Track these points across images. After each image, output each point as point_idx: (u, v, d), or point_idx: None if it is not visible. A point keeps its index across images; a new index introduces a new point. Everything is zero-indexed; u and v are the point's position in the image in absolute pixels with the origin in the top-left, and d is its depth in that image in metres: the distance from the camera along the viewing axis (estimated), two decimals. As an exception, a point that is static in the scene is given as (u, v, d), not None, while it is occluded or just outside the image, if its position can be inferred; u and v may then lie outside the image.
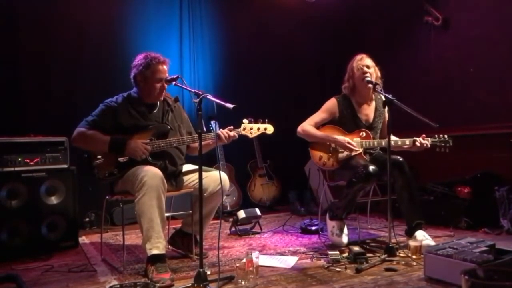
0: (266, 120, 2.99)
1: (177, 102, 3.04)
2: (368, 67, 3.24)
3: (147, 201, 2.56)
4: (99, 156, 2.77)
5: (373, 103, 3.40)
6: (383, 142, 3.17)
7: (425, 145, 3.11)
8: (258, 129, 2.95)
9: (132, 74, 2.89)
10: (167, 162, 2.85)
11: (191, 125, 3.15)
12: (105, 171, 2.77)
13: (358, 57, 3.30)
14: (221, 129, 2.90)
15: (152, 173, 2.61)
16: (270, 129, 2.98)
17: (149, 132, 2.84)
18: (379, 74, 3.28)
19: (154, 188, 2.57)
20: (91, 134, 2.75)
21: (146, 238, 2.58)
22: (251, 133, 2.94)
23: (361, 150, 3.21)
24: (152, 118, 2.91)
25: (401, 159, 3.09)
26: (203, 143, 2.89)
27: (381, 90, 3.01)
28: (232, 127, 2.92)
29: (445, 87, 4.50)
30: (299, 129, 3.32)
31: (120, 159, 2.76)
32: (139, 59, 2.87)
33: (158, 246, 2.57)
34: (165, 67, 2.86)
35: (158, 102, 2.97)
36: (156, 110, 2.95)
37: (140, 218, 2.59)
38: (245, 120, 2.95)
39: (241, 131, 2.94)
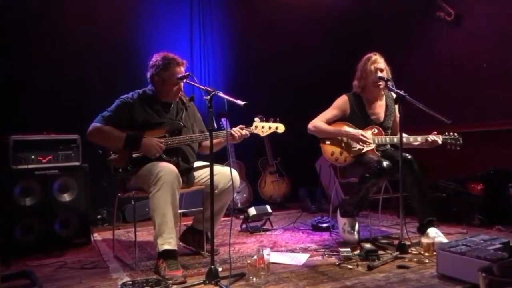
0: (278, 119, 2.99)
1: (192, 101, 3.06)
2: (381, 70, 3.20)
3: (161, 196, 2.58)
4: (113, 152, 2.79)
5: (383, 100, 3.38)
6: (395, 139, 3.15)
7: (437, 141, 3.09)
8: (270, 128, 2.96)
9: (149, 74, 2.89)
10: (180, 159, 2.86)
11: (203, 125, 3.16)
12: (119, 167, 2.79)
13: (372, 58, 3.24)
14: (233, 128, 2.90)
15: (168, 169, 2.63)
16: (281, 128, 2.99)
17: (164, 128, 2.85)
18: (390, 76, 3.24)
19: (169, 184, 2.59)
20: (106, 130, 2.76)
21: (158, 233, 2.60)
22: (262, 131, 2.96)
23: (373, 145, 3.20)
24: (167, 114, 2.93)
25: (409, 157, 3.07)
26: (215, 141, 2.91)
27: (392, 86, 2.99)
28: (243, 126, 2.92)
29: (457, 83, 4.45)
30: (310, 125, 3.31)
31: (134, 155, 2.77)
32: (156, 59, 2.86)
33: (170, 241, 2.58)
34: (182, 68, 2.87)
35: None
36: (170, 107, 2.96)
37: (153, 213, 2.60)
38: (256, 119, 2.96)
39: (252, 129, 2.95)
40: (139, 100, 2.88)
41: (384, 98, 3.38)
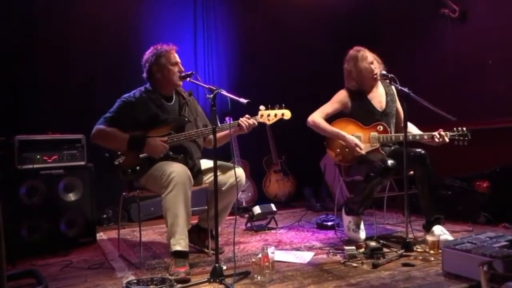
0: (283, 105, 2.90)
1: (191, 96, 3.06)
2: (372, 63, 3.22)
3: (174, 197, 2.58)
4: (120, 154, 2.78)
5: (380, 87, 3.38)
6: (401, 137, 3.14)
7: (444, 141, 3.07)
8: (276, 115, 2.88)
9: (146, 69, 2.90)
10: (186, 156, 2.86)
11: (206, 118, 3.16)
12: (128, 169, 2.77)
13: (359, 56, 3.24)
14: (240, 118, 2.86)
15: (180, 170, 2.63)
16: (287, 114, 2.90)
17: (169, 126, 2.84)
18: (379, 61, 3.26)
19: (182, 185, 2.59)
20: (109, 132, 2.76)
21: (170, 234, 2.61)
22: (268, 119, 2.89)
23: (378, 144, 3.19)
24: (170, 110, 2.92)
25: (423, 152, 3.05)
26: (222, 133, 2.91)
27: (396, 82, 2.98)
28: (248, 116, 2.88)
29: (462, 80, 4.43)
30: (310, 119, 3.29)
31: (141, 155, 2.76)
32: (148, 54, 2.90)
33: (180, 242, 2.59)
34: (174, 51, 2.91)
35: (174, 96, 2.98)
36: (172, 103, 2.96)
37: (166, 213, 2.61)
38: (261, 107, 2.88)
39: (258, 118, 2.89)
40: (141, 97, 2.87)
41: (379, 85, 3.38)
